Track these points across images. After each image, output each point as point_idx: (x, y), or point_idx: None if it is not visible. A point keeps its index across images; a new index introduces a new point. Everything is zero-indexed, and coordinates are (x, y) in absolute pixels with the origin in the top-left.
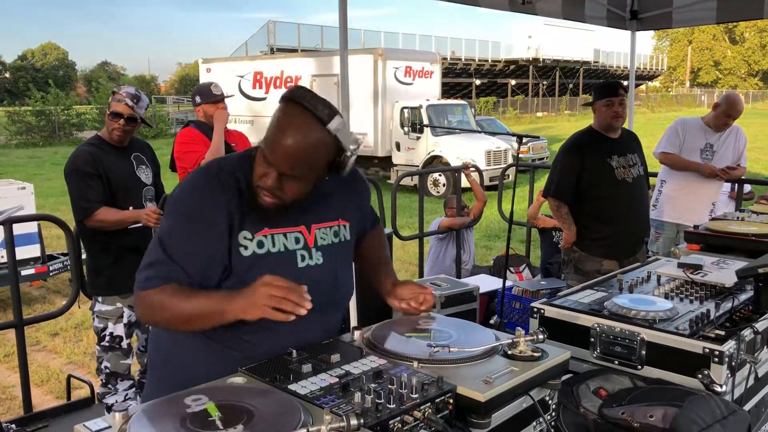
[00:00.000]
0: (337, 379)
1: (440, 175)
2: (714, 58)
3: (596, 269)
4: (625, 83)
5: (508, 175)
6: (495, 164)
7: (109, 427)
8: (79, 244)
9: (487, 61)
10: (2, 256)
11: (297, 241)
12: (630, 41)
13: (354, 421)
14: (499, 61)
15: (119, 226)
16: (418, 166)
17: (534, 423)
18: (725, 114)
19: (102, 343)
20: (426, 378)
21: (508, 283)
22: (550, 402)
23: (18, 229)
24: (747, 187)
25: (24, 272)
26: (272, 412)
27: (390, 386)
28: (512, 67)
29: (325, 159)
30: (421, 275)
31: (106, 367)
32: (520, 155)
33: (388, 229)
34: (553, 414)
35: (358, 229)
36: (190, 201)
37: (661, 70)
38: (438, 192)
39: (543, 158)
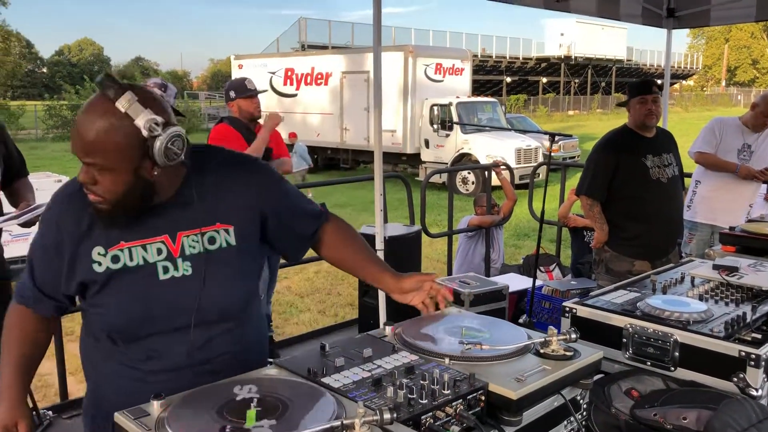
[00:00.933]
0: (369, 374)
1: (469, 173)
2: (752, 57)
3: (628, 270)
4: (660, 82)
5: (539, 174)
6: (525, 162)
7: (148, 414)
8: None
9: (518, 58)
10: None
11: (159, 252)
12: (666, 39)
13: (387, 415)
14: (531, 59)
15: None
16: (446, 163)
17: (565, 422)
18: (764, 114)
19: None
20: (458, 375)
21: (538, 283)
22: (581, 401)
23: None
24: None
25: None
26: (306, 404)
27: (422, 382)
28: (544, 64)
29: (122, 141)
30: (449, 273)
31: None
32: (551, 153)
33: (416, 226)
34: (584, 413)
35: (285, 228)
36: (43, 222)
37: (696, 68)
38: (467, 190)
39: (574, 157)
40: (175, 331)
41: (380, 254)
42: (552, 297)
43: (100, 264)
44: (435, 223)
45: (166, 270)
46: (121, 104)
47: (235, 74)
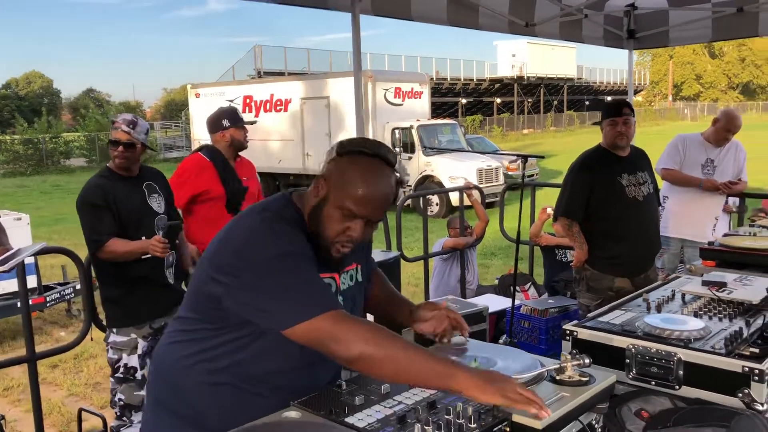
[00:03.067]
0: (391, 411)
1: (433, 195)
2: (695, 72)
3: (608, 287)
4: (609, 99)
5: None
6: (487, 182)
7: None
8: (91, 276)
9: (472, 80)
10: (2, 288)
11: (332, 286)
12: (627, 60)
13: None
14: (484, 80)
15: (130, 257)
16: (410, 186)
17: None
18: (725, 129)
19: (116, 375)
20: (481, 407)
21: (516, 302)
22: (596, 426)
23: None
24: (737, 200)
25: None
26: None
27: (446, 416)
28: (497, 85)
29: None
30: (426, 297)
31: (120, 399)
32: (510, 172)
33: (394, 252)
34: None
35: (365, 270)
36: (296, 236)
37: (643, 84)
38: (431, 212)
39: (533, 175)
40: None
41: None
42: (531, 316)
43: None
44: (406, 246)
45: None
46: (398, 167)
47: (193, 103)
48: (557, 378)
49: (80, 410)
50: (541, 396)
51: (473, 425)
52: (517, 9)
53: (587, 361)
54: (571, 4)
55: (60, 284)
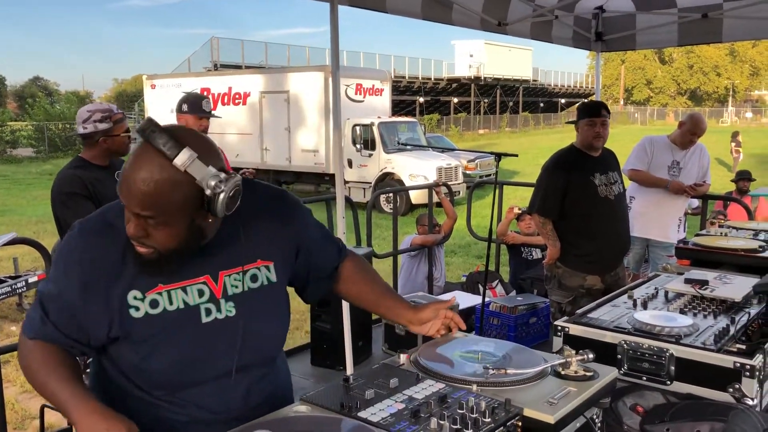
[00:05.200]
0: (403, 405)
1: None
2: (646, 77)
3: (580, 284)
4: (563, 101)
5: (459, 192)
6: (446, 180)
7: None
8: None
9: (430, 79)
10: None
11: (201, 293)
12: (585, 64)
13: None
14: (442, 80)
15: None
16: (370, 183)
17: None
18: (690, 132)
19: (87, 371)
20: (493, 401)
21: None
22: (597, 420)
23: None
24: (695, 203)
25: None
26: None
27: (459, 411)
28: (455, 85)
29: (182, 199)
30: None
31: None
32: (468, 171)
33: (365, 248)
34: None
35: (311, 264)
36: (61, 263)
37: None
38: (391, 209)
39: (490, 174)
40: (219, 378)
41: None
42: (500, 313)
43: (137, 309)
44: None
45: (208, 312)
46: (180, 162)
47: (148, 94)
48: (562, 373)
49: (42, 407)
50: (550, 391)
51: (488, 419)
52: (491, 7)
53: (591, 356)
54: (543, 5)
55: (11, 277)
